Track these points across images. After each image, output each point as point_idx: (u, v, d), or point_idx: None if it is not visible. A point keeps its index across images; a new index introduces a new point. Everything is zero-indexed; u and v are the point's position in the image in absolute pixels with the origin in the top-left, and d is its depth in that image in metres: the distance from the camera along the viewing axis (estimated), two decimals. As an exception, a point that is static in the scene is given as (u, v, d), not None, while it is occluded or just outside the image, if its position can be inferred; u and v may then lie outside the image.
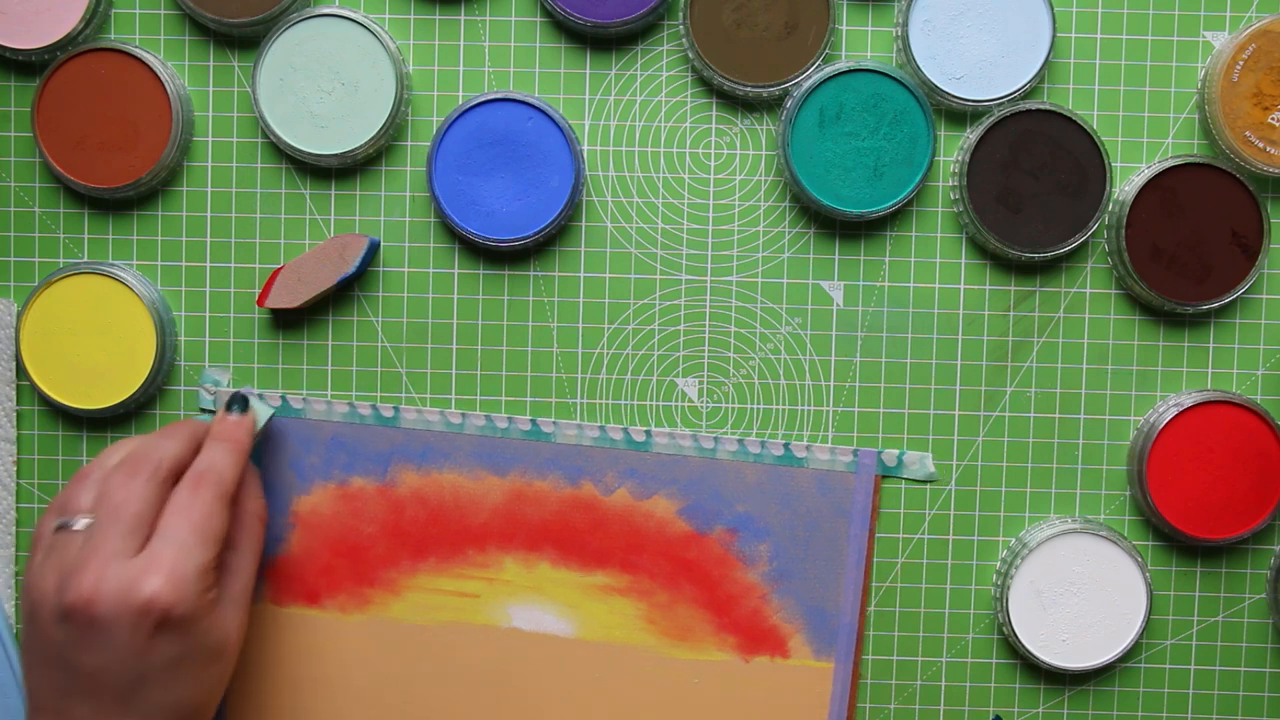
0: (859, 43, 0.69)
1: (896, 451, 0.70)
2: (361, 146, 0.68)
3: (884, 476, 0.70)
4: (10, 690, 0.71)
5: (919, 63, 0.67)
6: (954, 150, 0.69)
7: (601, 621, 0.70)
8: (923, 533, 0.70)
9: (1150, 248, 0.68)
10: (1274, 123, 0.67)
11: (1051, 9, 0.67)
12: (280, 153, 0.70)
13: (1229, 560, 0.70)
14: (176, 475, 0.63)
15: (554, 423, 0.70)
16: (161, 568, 0.59)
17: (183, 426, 0.65)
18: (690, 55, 0.68)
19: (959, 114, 0.69)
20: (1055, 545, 0.68)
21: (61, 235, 0.71)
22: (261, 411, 0.68)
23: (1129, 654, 0.70)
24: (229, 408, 0.66)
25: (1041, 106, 0.67)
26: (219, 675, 0.62)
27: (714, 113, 0.70)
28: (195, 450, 0.64)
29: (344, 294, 0.70)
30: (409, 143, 0.70)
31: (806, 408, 0.70)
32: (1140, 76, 0.69)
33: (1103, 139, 0.67)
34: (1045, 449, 0.70)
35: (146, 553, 0.59)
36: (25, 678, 0.61)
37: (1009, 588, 0.68)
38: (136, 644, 0.58)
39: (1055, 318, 0.70)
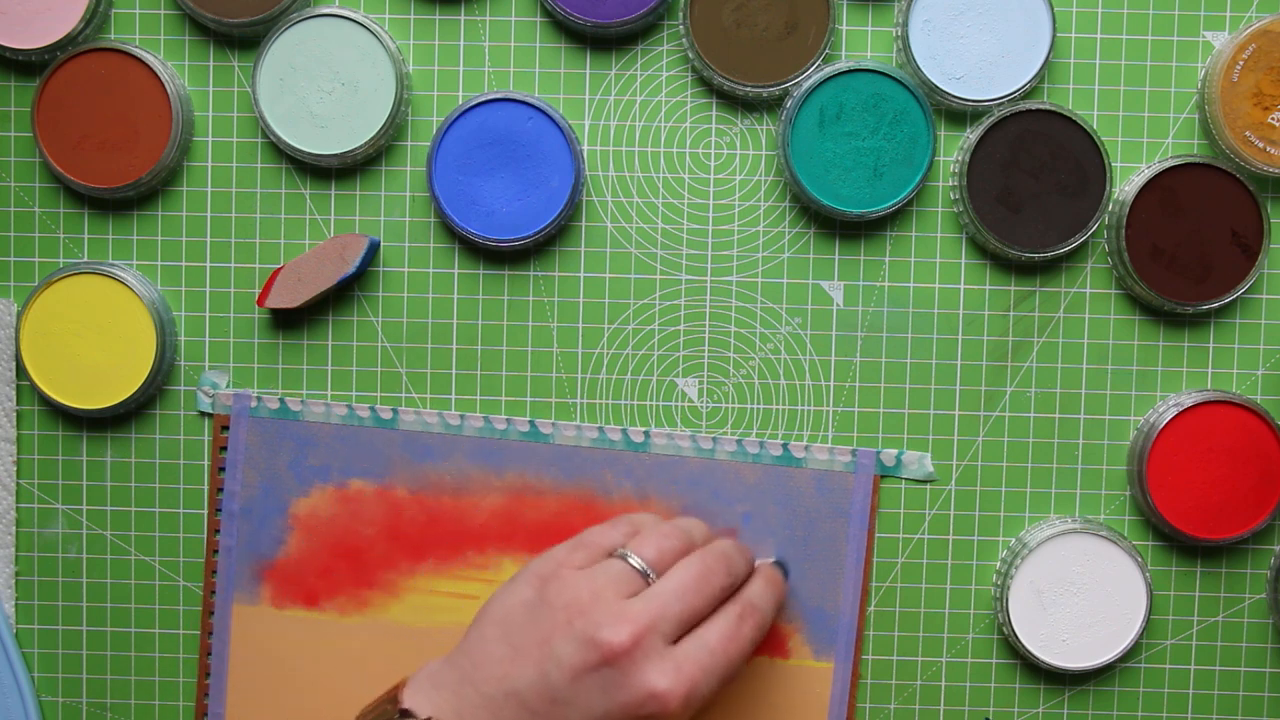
0: (859, 43, 0.69)
1: (895, 451, 0.70)
2: (361, 146, 0.68)
3: (883, 476, 0.70)
4: (10, 690, 0.70)
5: (919, 63, 0.67)
6: (954, 150, 0.69)
7: (601, 622, 0.70)
8: (923, 533, 0.70)
9: (1150, 248, 0.68)
10: (1274, 123, 0.67)
11: (1051, 9, 0.67)
12: (280, 153, 0.70)
13: (1229, 560, 0.70)
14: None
15: (553, 424, 0.70)
16: (686, 679, 0.58)
17: (748, 552, 0.65)
18: (690, 55, 0.68)
19: (959, 114, 0.69)
20: (1055, 545, 0.68)
21: (61, 235, 0.71)
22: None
23: (1129, 654, 0.70)
24: (776, 565, 0.67)
25: (1041, 106, 0.67)
26: None
27: (714, 113, 0.70)
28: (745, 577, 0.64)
29: (344, 294, 0.70)
30: (409, 143, 0.70)
31: (806, 408, 0.70)
32: (1140, 76, 0.69)
33: (1103, 139, 0.68)
34: (1045, 449, 0.70)
35: (682, 652, 0.59)
36: (477, 634, 0.60)
37: (1009, 588, 0.68)
38: (613, 716, 0.58)
39: (1055, 318, 0.70)
